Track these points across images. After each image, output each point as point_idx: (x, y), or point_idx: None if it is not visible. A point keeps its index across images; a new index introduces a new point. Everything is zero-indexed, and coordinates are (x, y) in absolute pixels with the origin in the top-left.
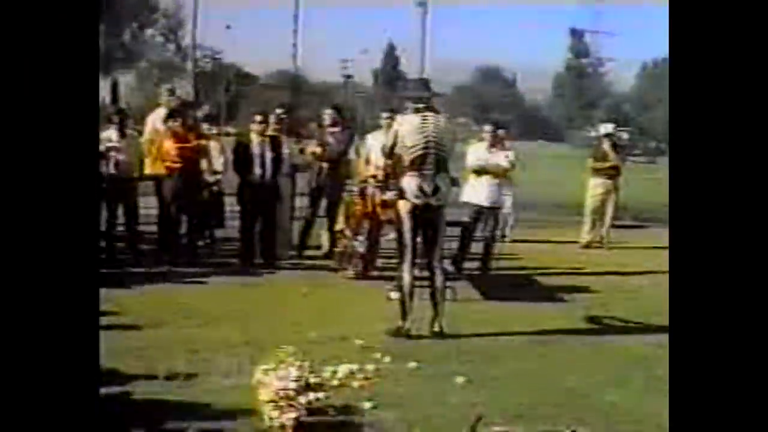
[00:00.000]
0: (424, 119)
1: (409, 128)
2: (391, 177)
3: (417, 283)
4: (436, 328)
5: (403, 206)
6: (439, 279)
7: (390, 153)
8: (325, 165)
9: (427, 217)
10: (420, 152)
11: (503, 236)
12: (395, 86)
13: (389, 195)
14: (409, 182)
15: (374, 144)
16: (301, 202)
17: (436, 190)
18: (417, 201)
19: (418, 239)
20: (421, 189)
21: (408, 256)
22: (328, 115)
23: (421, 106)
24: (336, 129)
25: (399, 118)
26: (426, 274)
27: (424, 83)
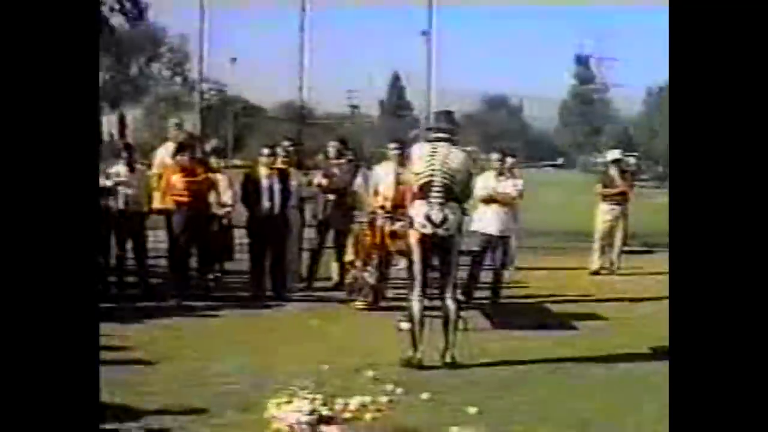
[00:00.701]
0: (434, 148)
1: (418, 155)
2: (400, 207)
3: (427, 312)
4: (448, 359)
5: (412, 235)
6: (451, 309)
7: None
8: (330, 196)
9: (437, 247)
10: (426, 179)
11: (503, 265)
12: (404, 117)
13: (398, 225)
14: (417, 211)
15: (382, 175)
16: (310, 234)
17: (444, 219)
18: (424, 230)
19: (428, 269)
20: (428, 218)
21: (417, 286)
22: (332, 147)
23: (441, 135)
24: (341, 161)
25: (415, 146)
26: (436, 303)
27: (448, 115)
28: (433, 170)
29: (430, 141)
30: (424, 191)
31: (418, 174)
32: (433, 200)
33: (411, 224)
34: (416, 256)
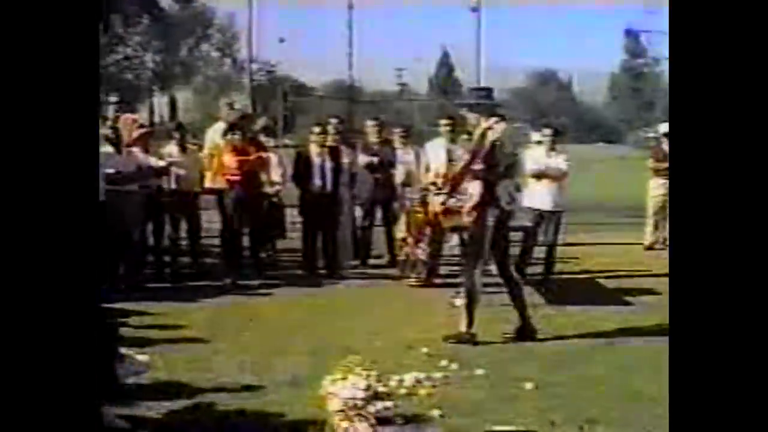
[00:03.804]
0: (514, 128)
1: (506, 136)
2: (458, 184)
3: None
4: (529, 335)
5: (491, 213)
6: (521, 285)
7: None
8: (375, 175)
9: (502, 223)
10: (515, 159)
11: (555, 240)
12: (453, 94)
13: (451, 202)
14: (504, 190)
15: (433, 151)
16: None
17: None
18: (508, 208)
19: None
20: (511, 195)
21: (481, 263)
22: (371, 126)
23: (503, 114)
24: (380, 139)
25: (495, 126)
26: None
27: (490, 92)
28: (516, 150)
29: (503, 120)
30: (510, 170)
31: (509, 155)
32: (515, 178)
33: (495, 202)
34: (488, 234)
